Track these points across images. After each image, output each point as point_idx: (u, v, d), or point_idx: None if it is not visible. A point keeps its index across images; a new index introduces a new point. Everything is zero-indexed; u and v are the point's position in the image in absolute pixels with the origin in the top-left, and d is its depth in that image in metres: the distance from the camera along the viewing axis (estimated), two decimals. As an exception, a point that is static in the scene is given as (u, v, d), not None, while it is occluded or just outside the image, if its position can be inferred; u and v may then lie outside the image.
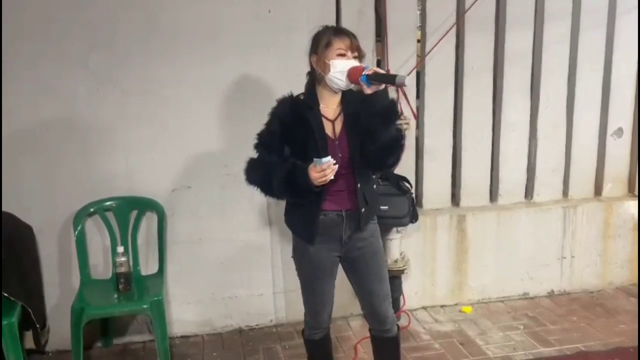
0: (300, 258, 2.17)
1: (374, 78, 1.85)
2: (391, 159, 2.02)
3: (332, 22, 2.86)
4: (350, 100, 2.03)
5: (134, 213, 2.81)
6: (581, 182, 3.44)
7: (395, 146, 1.97)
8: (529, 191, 3.39)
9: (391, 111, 1.94)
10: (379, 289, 2.14)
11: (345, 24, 2.88)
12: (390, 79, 1.84)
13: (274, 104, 2.96)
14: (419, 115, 3.10)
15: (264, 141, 2.04)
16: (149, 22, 2.69)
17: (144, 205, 2.80)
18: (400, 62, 3.00)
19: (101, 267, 2.84)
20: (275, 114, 2.04)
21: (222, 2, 2.74)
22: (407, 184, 2.92)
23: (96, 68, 2.68)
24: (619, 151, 3.43)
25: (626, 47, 3.27)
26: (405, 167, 2.92)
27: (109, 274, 2.78)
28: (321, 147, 1.94)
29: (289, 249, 3.01)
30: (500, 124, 3.24)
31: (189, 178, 2.87)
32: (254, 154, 2.07)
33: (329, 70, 1.93)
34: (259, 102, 2.82)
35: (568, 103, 3.30)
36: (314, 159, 1.86)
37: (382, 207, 2.71)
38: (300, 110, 1.99)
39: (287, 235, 2.99)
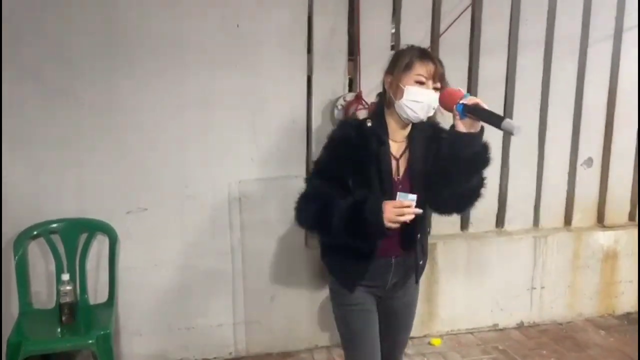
0: (343, 304, 1.85)
1: (473, 111, 1.52)
2: (465, 209, 1.80)
3: (303, 38, 2.75)
4: (419, 136, 1.77)
5: (84, 236, 2.59)
6: (552, 212, 3.39)
7: (474, 196, 1.71)
8: (499, 220, 3.32)
9: (482, 160, 1.61)
10: (403, 339, 1.99)
11: (317, 41, 2.78)
12: (495, 120, 1.46)
13: (241, 121, 2.84)
14: (390, 139, 2.99)
15: (324, 169, 1.73)
16: (109, 34, 2.52)
17: (94, 228, 2.58)
18: (373, 82, 2.89)
19: (45, 295, 2.61)
20: (340, 138, 1.72)
21: (188, 15, 2.58)
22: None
23: (49, 79, 2.48)
24: (589, 181, 3.40)
25: (597, 76, 3.27)
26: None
27: (53, 303, 2.54)
28: (385, 188, 1.69)
29: (252, 276, 2.88)
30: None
31: (146, 199, 2.67)
32: (306, 188, 1.77)
33: (402, 97, 1.67)
34: (225, 119, 2.71)
35: (540, 132, 3.26)
36: (398, 193, 1.60)
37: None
38: (369, 140, 1.70)
39: (250, 262, 2.85)
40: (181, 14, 2.57)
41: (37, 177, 2.53)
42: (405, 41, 2.92)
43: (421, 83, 1.67)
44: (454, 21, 2.91)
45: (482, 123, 1.55)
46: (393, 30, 3.02)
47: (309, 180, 1.79)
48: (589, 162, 3.39)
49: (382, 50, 2.91)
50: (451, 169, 1.61)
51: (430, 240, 3.10)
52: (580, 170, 3.37)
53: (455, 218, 3.22)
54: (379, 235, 1.61)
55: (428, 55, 1.72)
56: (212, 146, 2.71)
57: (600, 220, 3.49)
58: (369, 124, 1.72)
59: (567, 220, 3.43)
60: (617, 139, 3.37)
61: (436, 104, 1.66)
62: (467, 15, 2.98)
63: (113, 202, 2.63)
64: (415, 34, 2.93)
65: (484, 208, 3.24)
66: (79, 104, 2.53)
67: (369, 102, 2.78)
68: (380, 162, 1.70)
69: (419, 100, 1.66)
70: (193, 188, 2.71)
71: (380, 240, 1.69)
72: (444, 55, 2.99)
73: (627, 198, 3.50)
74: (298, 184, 2.80)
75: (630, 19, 3.22)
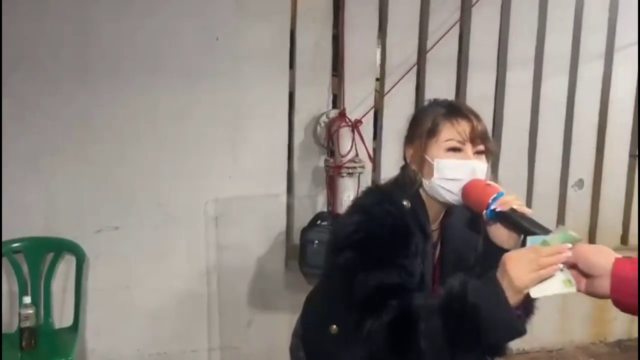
0: None
1: (508, 220, 1.10)
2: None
3: (285, 54, 2.65)
4: (458, 219, 1.32)
5: (50, 256, 2.45)
6: None
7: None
8: (488, 242, 3.22)
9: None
10: None
11: (300, 56, 2.69)
12: (538, 232, 1.04)
13: (219, 137, 2.65)
14: (375, 158, 2.90)
15: (377, 256, 1.18)
16: (83, 48, 2.42)
17: (61, 247, 2.45)
18: (357, 99, 2.80)
19: (7, 318, 2.46)
20: (387, 218, 1.22)
21: (165, 29, 2.49)
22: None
23: (19, 93, 2.37)
24: (580, 203, 3.31)
25: (588, 96, 3.20)
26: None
27: (14, 327, 2.40)
28: (426, 288, 1.25)
29: (228, 299, 2.75)
30: (460, 170, 3.07)
31: (117, 217, 2.55)
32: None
33: (432, 174, 1.24)
34: (202, 135, 2.60)
35: (529, 152, 3.18)
36: (528, 238, 1.03)
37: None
38: (410, 229, 1.23)
39: (227, 284, 2.72)
40: (158, 27, 2.48)
41: (1, 192, 2.40)
42: (392, 58, 2.87)
43: (456, 149, 1.23)
44: (442, 37, 2.83)
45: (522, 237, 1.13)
46: (379, 47, 2.94)
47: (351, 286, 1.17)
48: (580, 183, 3.30)
49: (368, 67, 2.83)
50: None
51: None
52: (571, 192, 3.29)
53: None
54: (514, 333, 1.00)
55: (459, 110, 1.26)
56: (188, 163, 2.60)
57: (592, 243, 3.39)
58: (407, 205, 1.25)
59: (558, 243, 3.33)
60: (608, 160, 3.29)
61: (483, 173, 1.22)
62: (456, 31, 2.90)
63: (82, 220, 2.51)
64: (403, 51, 2.86)
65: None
66: (49, 118, 2.42)
67: (352, 119, 2.68)
68: (424, 261, 1.24)
69: (455, 178, 1.21)
70: (167, 206, 2.59)
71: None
72: (431, 72, 2.92)
73: (619, 221, 3.41)
74: (278, 203, 2.79)
75: (621, 39, 3.17)
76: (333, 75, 2.80)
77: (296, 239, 2.69)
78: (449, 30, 2.84)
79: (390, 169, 2.93)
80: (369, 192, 1.35)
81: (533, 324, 3.66)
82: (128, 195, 2.54)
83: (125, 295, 2.60)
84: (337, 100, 2.83)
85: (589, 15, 3.09)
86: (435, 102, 1.34)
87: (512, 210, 1.10)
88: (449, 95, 2.96)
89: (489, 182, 1.20)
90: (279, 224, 2.76)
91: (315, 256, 2.48)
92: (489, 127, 3.17)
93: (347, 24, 2.73)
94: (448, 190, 1.23)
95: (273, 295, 2.78)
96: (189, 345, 2.72)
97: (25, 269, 2.42)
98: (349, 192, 2.60)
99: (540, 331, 3.25)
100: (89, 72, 2.44)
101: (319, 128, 2.72)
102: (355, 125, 2.69)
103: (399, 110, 2.90)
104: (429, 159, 1.25)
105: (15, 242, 2.40)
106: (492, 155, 1.29)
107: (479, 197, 1.15)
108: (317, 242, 2.49)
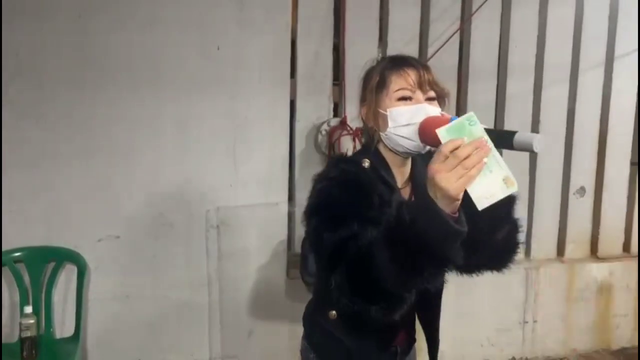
0: None
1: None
2: (505, 264, 1.36)
3: (286, 63, 2.66)
4: (422, 171, 1.27)
5: (51, 265, 2.45)
6: (543, 242, 3.28)
7: (510, 249, 1.32)
8: (490, 250, 3.20)
9: (503, 204, 1.05)
10: None
11: (301, 65, 2.70)
12: (502, 138, 1.01)
13: (220, 145, 2.63)
14: (376, 166, 2.89)
15: (330, 217, 1.18)
16: (84, 57, 2.42)
17: (61, 256, 2.45)
18: (359, 108, 2.80)
19: (8, 328, 2.46)
20: (346, 176, 1.24)
21: (166, 38, 2.50)
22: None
23: (18, 102, 2.37)
24: (582, 211, 3.30)
25: (588, 104, 3.20)
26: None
27: (15, 337, 2.39)
28: None
29: (229, 308, 2.74)
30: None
31: (118, 226, 2.55)
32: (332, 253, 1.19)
33: (387, 125, 1.24)
34: (203, 144, 2.60)
35: (530, 160, 3.17)
36: (437, 131, 0.99)
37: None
38: (374, 186, 1.22)
39: (228, 293, 2.71)
40: (159, 37, 2.49)
41: (2, 202, 2.40)
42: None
43: (407, 98, 1.23)
44: (442, 46, 2.84)
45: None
46: (380, 56, 2.95)
47: (317, 237, 1.19)
48: (582, 191, 3.29)
49: (368, 74, 2.84)
50: (468, 225, 1.05)
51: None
52: (573, 200, 3.28)
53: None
54: (449, 243, 0.98)
55: (403, 60, 1.27)
56: (189, 171, 2.60)
57: (594, 251, 3.37)
58: (366, 164, 1.26)
59: (560, 251, 3.32)
60: (610, 168, 3.29)
61: (438, 115, 1.22)
62: (456, 40, 2.91)
63: (83, 230, 2.50)
64: (403, 59, 2.86)
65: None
66: (49, 128, 2.42)
67: (354, 128, 2.69)
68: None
69: (410, 122, 1.20)
70: (168, 215, 2.59)
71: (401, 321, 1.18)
72: (431, 80, 2.92)
73: (621, 228, 3.40)
74: (279, 211, 2.78)
75: (621, 47, 3.17)
76: (334, 84, 2.80)
77: (297, 247, 2.69)
78: (448, 40, 2.85)
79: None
80: (329, 162, 1.41)
81: (536, 332, 3.63)
82: (129, 204, 2.54)
83: (125, 305, 2.59)
84: (337, 108, 2.84)
85: (588, 23, 3.10)
86: (382, 59, 1.36)
87: None
88: (451, 104, 2.95)
89: (442, 113, 1.22)
90: (280, 232, 2.75)
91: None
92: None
93: (347, 33, 2.74)
94: (404, 137, 1.22)
95: (274, 305, 2.77)
96: (189, 355, 2.71)
97: (26, 278, 2.41)
98: (350, 201, 2.60)
99: (543, 340, 3.23)
100: (89, 82, 2.44)
101: (320, 136, 2.72)
102: (356, 134, 2.69)
103: (399, 119, 2.91)
104: (382, 111, 1.25)
105: (16, 252, 2.40)
106: (445, 101, 1.29)
107: (434, 128, 1.07)
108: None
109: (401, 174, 1.32)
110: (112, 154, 2.50)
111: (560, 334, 3.27)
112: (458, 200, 0.95)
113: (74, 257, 2.45)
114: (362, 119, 1.37)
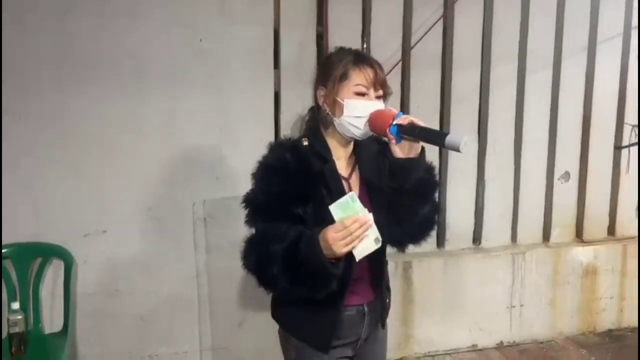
0: None
1: (409, 132, 1.35)
2: (419, 240, 1.56)
3: (270, 53, 2.66)
4: (365, 152, 1.55)
5: (38, 261, 2.45)
6: (529, 227, 3.32)
7: (428, 225, 1.53)
8: (476, 236, 3.24)
9: (428, 186, 1.48)
10: None
11: (285, 56, 2.69)
12: (436, 137, 1.32)
13: (205, 138, 2.63)
14: (362, 156, 2.91)
15: (264, 206, 1.43)
16: (66, 51, 2.40)
17: (48, 252, 2.44)
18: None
19: (-4, 324, 2.45)
20: (272, 167, 1.44)
21: (148, 31, 2.48)
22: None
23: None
24: (567, 195, 3.34)
25: (572, 89, 3.22)
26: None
27: (3, 333, 2.38)
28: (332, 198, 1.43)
29: (219, 300, 2.75)
30: (447, 166, 3.09)
31: (105, 221, 2.54)
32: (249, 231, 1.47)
33: (342, 113, 1.44)
34: (189, 137, 2.60)
35: (515, 145, 3.20)
36: (330, 207, 1.29)
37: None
38: (308, 161, 1.44)
39: (217, 285, 2.72)
40: (141, 31, 2.47)
41: (-13, 199, 2.40)
42: (376, 56, 2.83)
43: (361, 94, 1.44)
44: (425, 34, 2.85)
45: (422, 144, 1.40)
46: (364, 45, 2.95)
47: (250, 222, 1.46)
48: (566, 176, 3.33)
49: (352, 64, 2.84)
50: (397, 201, 1.43)
51: (405, 259, 3.04)
52: (558, 185, 3.31)
53: (431, 235, 3.13)
54: (328, 276, 1.32)
55: (365, 59, 1.47)
56: (175, 165, 2.59)
57: (579, 235, 3.42)
58: (305, 143, 1.47)
59: (546, 235, 3.36)
60: (594, 153, 3.32)
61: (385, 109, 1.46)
62: (439, 28, 2.92)
63: (69, 225, 2.49)
64: (387, 48, 2.86)
65: (460, 224, 3.17)
66: (34, 125, 2.40)
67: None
68: (329, 184, 1.43)
69: (362, 115, 1.43)
70: (155, 209, 2.59)
71: (347, 284, 1.44)
72: (416, 69, 2.94)
73: (606, 212, 3.44)
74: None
75: (603, 32, 3.19)
76: (318, 74, 2.80)
77: (285, 238, 2.69)
78: (432, 27, 2.86)
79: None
80: (270, 146, 1.52)
81: (523, 316, 3.67)
82: (115, 198, 2.53)
83: (114, 299, 2.60)
84: (322, 98, 2.84)
85: (570, 8, 3.12)
86: (342, 50, 1.53)
87: (412, 123, 1.36)
88: (435, 92, 2.98)
89: (390, 108, 1.43)
90: (267, 223, 2.75)
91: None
92: (475, 124, 3.21)
93: (330, 23, 2.73)
94: (355, 127, 1.44)
95: (263, 295, 2.74)
96: (180, 347, 2.72)
97: (13, 274, 2.41)
98: (336, 191, 2.62)
99: (530, 324, 3.28)
100: (73, 77, 2.42)
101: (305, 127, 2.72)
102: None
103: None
104: (340, 100, 1.44)
105: (2, 249, 2.38)
106: (387, 98, 1.51)
107: (382, 120, 1.39)
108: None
109: (345, 152, 1.53)
110: (98, 149, 2.49)
111: (547, 318, 3.32)
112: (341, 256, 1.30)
113: (60, 253, 2.45)
114: (316, 100, 1.53)
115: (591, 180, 3.36)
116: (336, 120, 1.46)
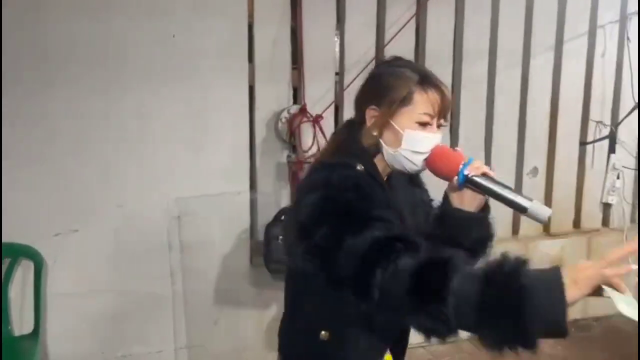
0: None
1: (481, 187, 1.14)
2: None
3: (244, 48, 2.64)
4: (397, 177, 1.31)
5: (6, 262, 2.39)
6: (499, 221, 3.33)
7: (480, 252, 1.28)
8: (448, 231, 3.29)
9: (483, 246, 1.24)
10: None
11: (259, 50, 2.68)
12: (515, 203, 1.12)
13: (179, 135, 2.56)
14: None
15: (356, 218, 1.09)
16: (36, 44, 2.34)
17: (17, 252, 2.39)
18: (318, 93, 2.82)
19: (-37, 327, 2.38)
20: (364, 184, 1.16)
21: (119, 26, 2.44)
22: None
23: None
24: (535, 190, 3.42)
25: (540, 86, 3.30)
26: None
27: (-30, 337, 2.33)
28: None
29: (194, 298, 2.73)
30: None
31: (76, 220, 2.49)
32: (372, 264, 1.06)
33: (399, 144, 1.20)
34: (162, 134, 2.56)
35: (486, 141, 3.26)
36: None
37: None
38: (373, 185, 1.20)
39: (192, 284, 2.70)
40: (113, 27, 2.43)
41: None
42: (351, 52, 2.88)
43: (426, 124, 1.19)
44: (399, 32, 2.87)
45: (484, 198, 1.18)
46: (338, 39, 2.96)
47: (380, 258, 1.03)
48: (535, 171, 3.41)
49: (327, 60, 2.84)
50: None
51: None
52: (526, 180, 3.39)
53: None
54: (552, 326, 0.95)
55: (432, 80, 1.22)
56: (147, 162, 2.56)
57: (547, 228, 3.51)
58: (359, 167, 1.20)
59: (515, 229, 3.45)
60: (561, 148, 3.41)
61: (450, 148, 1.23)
62: (412, 25, 2.94)
63: (39, 224, 2.44)
64: (361, 45, 2.88)
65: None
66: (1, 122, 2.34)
67: (313, 115, 2.70)
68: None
69: (421, 152, 1.19)
70: (128, 207, 2.55)
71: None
72: (389, 65, 2.95)
73: (572, 205, 3.54)
74: (241, 200, 2.77)
75: (570, 30, 3.27)
76: (293, 68, 2.79)
77: (260, 235, 2.69)
78: (405, 25, 2.88)
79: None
80: (317, 168, 1.24)
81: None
82: (86, 196, 2.49)
83: (87, 299, 2.55)
84: (297, 94, 2.84)
85: (538, 8, 3.18)
86: (401, 62, 1.27)
87: (484, 175, 1.15)
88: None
89: (455, 148, 1.23)
90: (242, 220, 2.75)
91: (280, 252, 2.49)
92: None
93: (305, 17, 2.73)
94: (412, 162, 1.20)
95: (239, 292, 2.78)
96: (155, 346, 2.70)
97: (-20, 276, 2.34)
98: (311, 187, 2.63)
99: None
100: (42, 72, 2.36)
101: (280, 124, 2.72)
102: (316, 121, 2.70)
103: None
104: (398, 129, 1.19)
105: (-32, 250, 2.32)
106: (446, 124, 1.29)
107: (448, 163, 1.17)
108: (281, 237, 2.51)
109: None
110: (67, 145, 2.45)
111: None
112: (581, 293, 0.93)
113: (29, 253, 2.39)
114: (361, 118, 1.25)
115: (558, 175, 3.45)
116: (388, 151, 1.22)
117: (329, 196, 1.11)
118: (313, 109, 2.71)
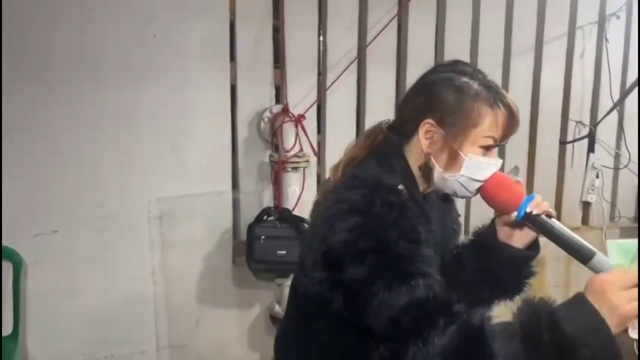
0: None
1: (540, 227, 1.07)
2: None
3: (225, 47, 2.63)
4: (430, 199, 1.19)
5: (-17, 263, 2.36)
6: (480, 220, 3.38)
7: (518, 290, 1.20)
8: (431, 230, 3.32)
9: (523, 283, 1.15)
10: None
11: (241, 49, 2.67)
12: (579, 251, 1.03)
13: (160, 134, 2.53)
14: (319, 152, 2.93)
15: (403, 263, 0.97)
16: (13, 43, 2.30)
17: (-5, 253, 2.35)
18: (300, 93, 2.82)
19: (-60, 330, 2.35)
20: (410, 207, 1.04)
21: (99, 27, 2.41)
22: (306, 226, 2.72)
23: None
24: (516, 189, 3.46)
25: (520, 87, 3.34)
26: (305, 207, 2.72)
27: (-53, 339, 2.29)
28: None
29: (176, 298, 2.72)
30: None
31: (56, 220, 2.46)
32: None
33: (458, 170, 1.08)
34: (143, 133, 2.55)
35: (468, 141, 3.29)
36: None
37: (279, 252, 2.49)
38: (418, 219, 1.07)
39: (174, 284, 2.69)
40: (93, 26, 2.40)
41: None
42: (333, 52, 2.89)
43: (490, 147, 1.08)
44: (380, 32, 2.88)
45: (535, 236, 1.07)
46: (321, 39, 2.96)
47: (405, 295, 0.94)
48: (516, 170, 3.41)
49: (309, 60, 2.85)
50: (476, 281, 1.08)
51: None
52: (508, 179, 3.42)
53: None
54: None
55: (504, 97, 1.09)
56: (128, 162, 2.54)
57: (527, 227, 3.55)
58: (401, 187, 1.07)
59: (496, 228, 3.47)
60: (541, 148, 3.45)
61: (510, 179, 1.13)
62: (394, 26, 2.96)
63: (18, 225, 2.40)
64: (343, 44, 2.89)
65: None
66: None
67: (295, 114, 2.70)
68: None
69: (481, 180, 1.08)
70: (109, 207, 2.53)
71: None
72: (372, 66, 2.97)
73: (552, 204, 3.57)
74: (224, 200, 2.76)
75: (549, 31, 3.31)
76: (275, 67, 2.79)
77: (243, 235, 2.69)
78: (387, 25, 2.89)
79: (334, 161, 2.97)
80: (356, 184, 1.07)
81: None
82: (66, 196, 2.46)
83: (68, 300, 2.52)
84: (279, 93, 2.84)
85: (518, 8, 3.22)
86: (469, 73, 1.10)
87: (548, 214, 1.07)
88: (390, 90, 3.01)
89: (517, 179, 1.13)
90: (224, 220, 2.74)
91: (263, 252, 2.50)
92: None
93: (287, 16, 2.72)
94: (466, 189, 1.09)
95: (221, 293, 2.78)
96: (137, 347, 2.68)
97: (-43, 278, 2.31)
98: (294, 187, 2.65)
99: (481, 313, 3.39)
100: (21, 70, 2.33)
101: (262, 123, 2.72)
102: (298, 120, 2.70)
103: (341, 105, 2.95)
104: (461, 153, 1.06)
105: (-55, 251, 2.29)
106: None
107: (509, 197, 1.08)
108: (264, 237, 2.51)
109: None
110: (47, 145, 2.41)
111: (499, 307, 3.43)
112: (622, 327, 0.85)
113: (7, 254, 2.35)
114: (410, 128, 1.12)
115: (538, 174, 3.49)
116: (443, 175, 1.09)
117: (370, 228, 0.97)
118: (295, 109, 2.72)
